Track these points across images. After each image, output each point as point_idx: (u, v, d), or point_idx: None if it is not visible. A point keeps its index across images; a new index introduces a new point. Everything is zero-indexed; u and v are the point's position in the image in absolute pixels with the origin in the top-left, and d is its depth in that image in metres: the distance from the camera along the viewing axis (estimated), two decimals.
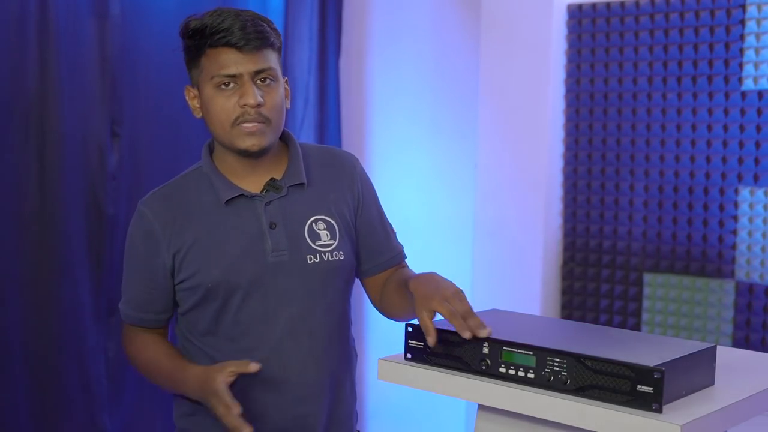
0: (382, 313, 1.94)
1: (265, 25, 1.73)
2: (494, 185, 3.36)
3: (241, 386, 1.71)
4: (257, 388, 1.75)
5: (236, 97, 1.70)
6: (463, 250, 3.49)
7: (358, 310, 3.54)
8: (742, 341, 2.87)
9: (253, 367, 1.64)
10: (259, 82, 1.72)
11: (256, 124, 1.71)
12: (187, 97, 1.81)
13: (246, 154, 1.75)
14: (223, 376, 1.63)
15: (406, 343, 1.55)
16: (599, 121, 3.18)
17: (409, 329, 1.54)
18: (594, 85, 3.19)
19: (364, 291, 1.99)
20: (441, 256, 3.52)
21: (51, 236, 2.72)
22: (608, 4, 3.13)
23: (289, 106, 1.81)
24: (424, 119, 3.64)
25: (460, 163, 3.53)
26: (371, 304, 1.98)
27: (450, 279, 1.62)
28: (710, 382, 1.43)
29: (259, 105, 1.70)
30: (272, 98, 1.73)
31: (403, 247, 1.97)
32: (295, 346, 1.77)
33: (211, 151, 1.84)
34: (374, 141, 3.77)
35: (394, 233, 1.96)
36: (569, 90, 3.24)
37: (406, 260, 1.97)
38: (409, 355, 1.55)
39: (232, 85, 1.71)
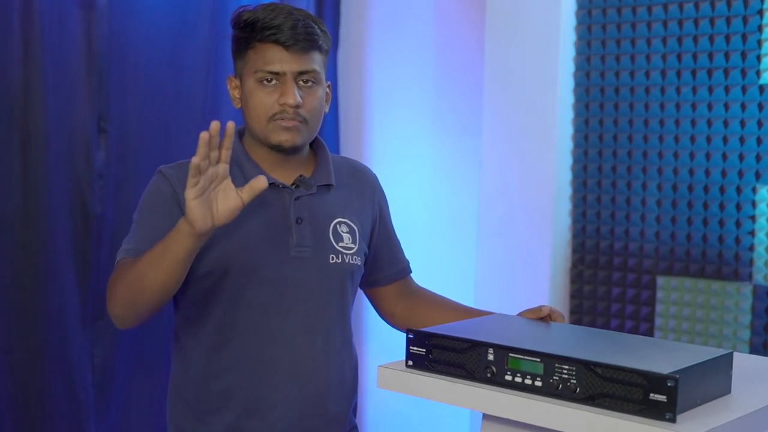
0: (393, 324, 2.05)
1: (316, 27, 1.81)
2: (499, 184, 3.35)
3: (251, 381, 1.78)
4: (268, 383, 1.80)
5: (277, 95, 1.77)
6: (466, 252, 3.48)
7: (357, 315, 3.58)
8: (760, 347, 2.86)
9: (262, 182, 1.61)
10: (301, 82, 1.79)
11: (294, 122, 1.78)
12: (228, 87, 1.88)
13: (278, 149, 1.81)
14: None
15: (408, 349, 1.54)
16: (610, 116, 3.16)
17: (410, 335, 1.54)
18: (605, 78, 3.17)
19: (367, 301, 2.09)
20: (444, 258, 3.52)
21: (35, 237, 2.74)
22: None
23: (327, 110, 1.89)
24: (425, 114, 3.65)
25: (463, 161, 3.53)
26: (367, 311, 2.04)
27: (452, 282, 1.77)
28: (726, 391, 1.43)
29: (297, 105, 1.77)
30: (311, 100, 1.80)
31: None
32: (309, 343, 1.82)
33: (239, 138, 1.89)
34: (373, 137, 3.78)
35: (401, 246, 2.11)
36: (579, 84, 3.23)
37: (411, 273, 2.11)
38: (410, 362, 1.54)
39: (274, 81, 1.78)
